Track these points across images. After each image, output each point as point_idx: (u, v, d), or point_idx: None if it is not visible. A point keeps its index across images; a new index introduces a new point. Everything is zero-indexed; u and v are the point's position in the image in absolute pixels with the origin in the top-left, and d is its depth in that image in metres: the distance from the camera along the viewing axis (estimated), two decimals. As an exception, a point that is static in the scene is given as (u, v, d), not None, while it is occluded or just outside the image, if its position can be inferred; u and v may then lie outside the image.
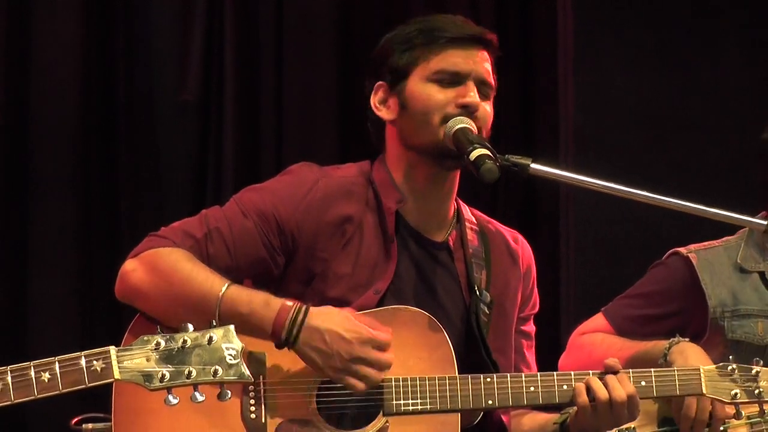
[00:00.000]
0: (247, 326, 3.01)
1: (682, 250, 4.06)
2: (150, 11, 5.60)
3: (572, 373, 3.38)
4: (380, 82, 3.51)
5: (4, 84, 5.40)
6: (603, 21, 5.94)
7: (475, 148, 3.33)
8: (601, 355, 3.89)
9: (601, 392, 3.34)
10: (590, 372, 3.38)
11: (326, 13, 5.84)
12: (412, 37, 3.48)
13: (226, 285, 3.27)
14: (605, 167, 5.60)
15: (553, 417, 3.49)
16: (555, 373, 3.39)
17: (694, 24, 5.96)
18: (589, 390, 3.34)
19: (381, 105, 3.52)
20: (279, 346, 3.26)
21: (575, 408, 3.40)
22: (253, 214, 3.40)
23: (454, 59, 3.44)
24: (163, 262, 3.33)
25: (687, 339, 3.78)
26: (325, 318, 3.25)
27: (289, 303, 3.26)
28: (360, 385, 3.25)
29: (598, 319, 4.08)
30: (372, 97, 3.52)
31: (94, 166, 5.50)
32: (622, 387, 3.35)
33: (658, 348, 3.76)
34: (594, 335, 4.03)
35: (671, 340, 3.75)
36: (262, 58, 5.72)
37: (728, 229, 3.97)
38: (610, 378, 3.35)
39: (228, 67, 5.62)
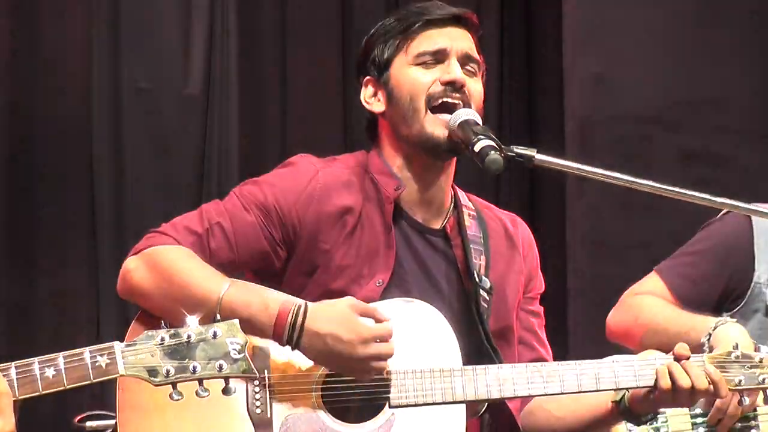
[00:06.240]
0: (248, 329, 2.99)
1: None
2: (154, 4, 5.59)
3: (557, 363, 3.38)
4: (368, 77, 3.52)
5: (10, 78, 5.40)
6: (609, 10, 5.93)
7: (479, 140, 3.32)
8: (646, 320, 3.86)
9: (684, 379, 3.33)
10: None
11: (330, 3, 5.83)
12: (390, 27, 3.50)
13: (226, 286, 3.26)
14: (611, 157, 5.62)
15: (603, 394, 3.44)
16: (559, 363, 3.39)
17: (702, 14, 5.94)
18: (671, 374, 3.33)
19: (371, 99, 3.53)
20: (282, 346, 3.25)
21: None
22: (254, 207, 3.39)
23: (433, 38, 3.45)
24: (164, 261, 3.32)
25: (735, 320, 3.74)
26: (325, 319, 3.23)
27: (288, 305, 3.24)
28: (365, 377, 3.25)
29: (653, 279, 3.98)
30: (362, 92, 3.54)
31: (99, 160, 5.50)
32: (703, 375, 3.34)
33: (705, 325, 3.71)
34: (645, 298, 3.95)
35: (718, 319, 3.71)
36: (265, 50, 5.72)
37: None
38: (692, 367, 3.34)
39: (232, 60, 5.62)
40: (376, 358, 3.23)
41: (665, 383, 3.33)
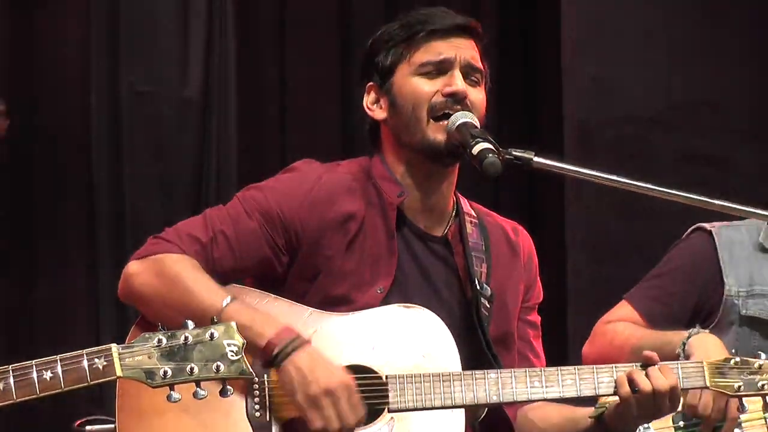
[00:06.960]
0: (244, 335, 2.96)
1: (706, 225, 4.02)
2: (152, 8, 5.60)
3: (575, 368, 3.35)
4: (370, 83, 3.51)
5: (9, 81, 5.41)
6: (607, 13, 5.93)
7: (477, 143, 3.31)
8: (621, 342, 3.87)
9: (644, 383, 3.29)
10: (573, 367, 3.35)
11: (328, 5, 5.84)
12: (395, 34, 3.48)
13: (229, 299, 3.25)
14: (610, 158, 5.62)
15: (586, 410, 3.44)
16: (559, 368, 3.37)
17: (701, 16, 5.95)
18: (631, 381, 3.30)
19: (373, 105, 3.51)
20: (266, 363, 3.22)
21: (612, 400, 3.36)
22: (257, 214, 3.38)
23: (438, 49, 3.44)
24: (168, 270, 3.31)
25: (707, 330, 3.75)
26: (322, 355, 3.22)
27: (296, 329, 3.24)
28: (318, 424, 3.18)
29: (623, 307, 4.02)
30: (365, 98, 3.52)
31: (99, 162, 5.51)
32: (665, 377, 3.31)
33: (678, 337, 3.72)
34: (617, 324, 3.98)
35: (691, 330, 3.72)
36: (264, 52, 5.73)
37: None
38: (652, 369, 3.31)
39: (230, 62, 5.62)
40: (340, 411, 3.17)
41: (625, 391, 3.29)
